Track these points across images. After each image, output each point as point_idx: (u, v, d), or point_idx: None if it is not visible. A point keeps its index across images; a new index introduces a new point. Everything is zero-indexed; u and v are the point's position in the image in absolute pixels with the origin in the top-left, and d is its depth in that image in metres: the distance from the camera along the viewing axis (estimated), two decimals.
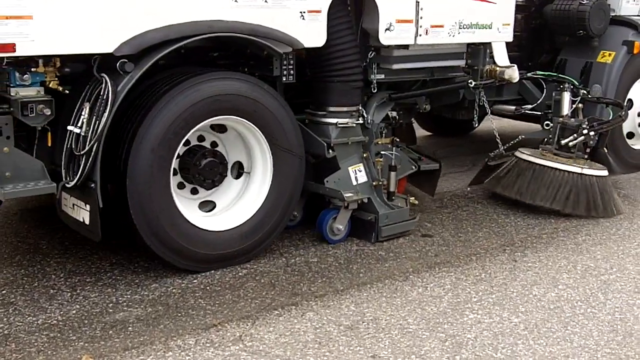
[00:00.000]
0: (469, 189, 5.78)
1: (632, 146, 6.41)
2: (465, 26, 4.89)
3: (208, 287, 3.81)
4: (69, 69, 3.62)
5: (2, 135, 3.40)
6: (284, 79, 4.24)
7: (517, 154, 5.30)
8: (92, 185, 3.49)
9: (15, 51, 3.27)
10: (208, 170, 3.97)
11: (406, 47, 4.66)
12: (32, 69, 3.47)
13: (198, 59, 4.20)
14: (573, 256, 4.40)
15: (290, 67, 4.24)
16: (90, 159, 3.47)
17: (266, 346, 3.21)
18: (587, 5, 5.74)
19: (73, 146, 3.55)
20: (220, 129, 4.11)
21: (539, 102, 5.77)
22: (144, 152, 3.61)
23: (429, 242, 4.60)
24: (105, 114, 3.47)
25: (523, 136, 5.59)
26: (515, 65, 5.29)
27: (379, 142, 4.78)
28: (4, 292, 3.72)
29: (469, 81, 5.19)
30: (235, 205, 4.14)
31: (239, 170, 4.21)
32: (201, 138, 4.06)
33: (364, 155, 4.58)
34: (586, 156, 5.34)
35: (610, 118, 5.64)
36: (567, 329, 3.42)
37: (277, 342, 3.24)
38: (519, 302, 3.71)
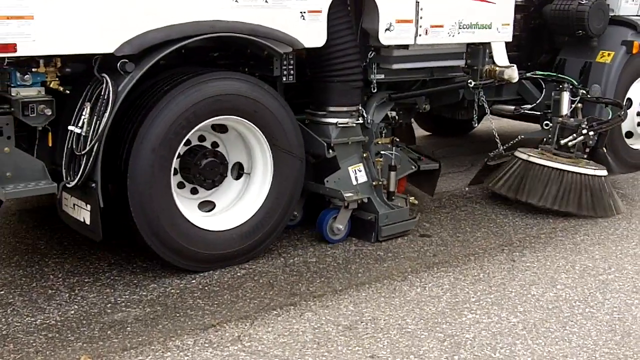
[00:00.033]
0: (467, 189, 5.79)
1: (631, 146, 6.42)
2: (464, 26, 4.90)
3: (206, 288, 3.81)
4: (70, 69, 3.63)
5: (3, 135, 3.40)
6: (284, 79, 4.25)
7: (517, 154, 5.30)
8: (93, 185, 3.50)
9: (16, 51, 3.28)
10: (209, 170, 3.98)
11: (406, 47, 4.67)
12: (33, 69, 3.48)
13: (198, 59, 4.21)
14: (571, 256, 4.42)
15: (291, 67, 4.25)
16: (91, 159, 3.48)
17: (265, 346, 3.22)
18: (586, 5, 5.75)
19: (74, 146, 3.56)
20: (221, 129, 4.12)
21: (538, 102, 5.78)
22: (145, 151, 3.62)
23: (428, 242, 4.61)
24: (106, 114, 3.48)
25: (522, 136, 5.61)
26: (515, 65, 5.30)
27: (379, 142, 4.79)
28: (2, 292, 3.72)
29: (469, 81, 5.20)
30: (235, 205, 4.15)
31: (239, 171, 4.22)
32: (202, 138, 4.08)
33: (364, 155, 4.60)
34: (585, 156, 5.36)
35: (610, 118, 5.65)
36: (565, 329, 3.43)
37: (276, 343, 3.25)
38: (518, 302, 3.72)
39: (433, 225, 4.93)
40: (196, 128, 3.82)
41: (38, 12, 3.30)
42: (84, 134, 3.51)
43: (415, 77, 4.96)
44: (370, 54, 4.65)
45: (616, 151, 6.17)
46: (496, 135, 5.46)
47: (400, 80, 4.95)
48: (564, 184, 5.09)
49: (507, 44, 5.29)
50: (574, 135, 5.31)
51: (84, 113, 3.54)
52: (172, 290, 3.77)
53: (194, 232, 3.86)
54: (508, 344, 3.27)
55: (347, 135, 4.50)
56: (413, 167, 5.02)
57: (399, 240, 4.58)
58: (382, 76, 4.74)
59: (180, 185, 4.05)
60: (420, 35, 4.65)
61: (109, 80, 3.50)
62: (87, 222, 3.57)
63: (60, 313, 3.50)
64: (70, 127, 3.58)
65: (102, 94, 3.51)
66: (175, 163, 3.84)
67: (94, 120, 3.50)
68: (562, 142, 5.32)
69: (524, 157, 5.23)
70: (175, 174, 3.92)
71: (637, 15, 6.38)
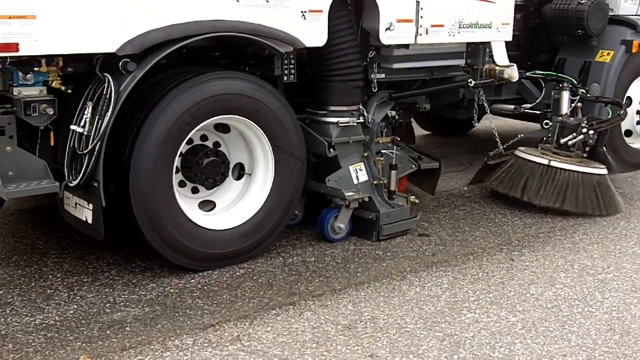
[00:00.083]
0: (466, 188, 5.81)
1: (631, 145, 6.44)
2: (465, 26, 4.91)
3: (205, 287, 3.82)
4: (72, 68, 3.64)
5: (5, 134, 3.41)
6: (285, 79, 4.27)
7: (518, 153, 5.32)
8: (95, 184, 3.51)
9: (18, 51, 3.29)
10: (210, 169, 3.99)
11: (406, 46, 4.69)
12: (35, 69, 3.49)
13: (199, 58, 4.23)
14: (570, 255, 4.43)
15: (292, 66, 4.27)
16: (93, 158, 3.49)
17: (264, 346, 3.22)
18: (586, 4, 5.77)
19: (76, 145, 3.57)
20: (224, 129, 4.13)
21: (538, 101, 5.80)
22: (147, 148, 3.63)
23: (427, 241, 4.62)
24: (108, 113, 3.49)
25: (522, 135, 5.62)
26: (515, 65, 5.32)
27: (380, 141, 4.80)
28: (1, 292, 3.73)
29: (469, 80, 5.22)
30: (236, 205, 4.17)
31: (239, 171, 4.23)
32: (204, 137, 4.09)
33: (365, 154, 4.61)
34: (585, 155, 5.37)
35: (609, 117, 5.67)
36: (564, 328, 3.44)
37: (275, 342, 3.26)
38: (517, 301, 3.73)
39: (432, 224, 4.94)
40: (199, 126, 3.84)
41: (40, 11, 3.31)
42: (86, 133, 3.53)
43: (416, 76, 4.98)
44: (371, 54, 4.67)
45: (616, 150, 6.17)
46: (496, 134, 5.48)
47: (401, 80, 4.96)
48: (564, 183, 5.10)
49: (506, 43, 5.30)
50: (574, 134, 5.32)
51: (86, 112, 3.56)
52: (171, 290, 3.78)
53: (195, 230, 3.88)
54: (507, 343, 3.28)
55: (348, 135, 4.52)
56: (413, 166, 5.04)
57: (398, 239, 4.60)
58: (383, 75, 4.76)
59: (181, 184, 4.06)
60: (420, 34, 4.66)
61: (111, 80, 3.52)
62: (89, 221, 3.58)
63: (59, 313, 3.50)
64: (72, 127, 3.59)
65: (104, 93, 3.52)
66: (177, 161, 3.85)
67: (96, 119, 3.51)
68: (562, 141, 5.34)
69: (524, 156, 5.24)
70: (176, 172, 3.93)
71: (636, 15, 6.40)
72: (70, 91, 3.67)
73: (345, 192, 4.36)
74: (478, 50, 5.22)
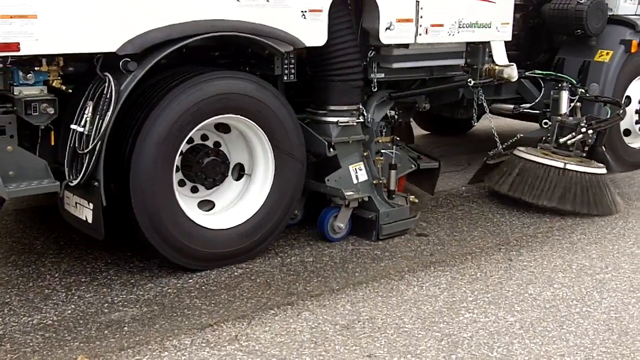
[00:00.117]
0: (464, 188, 5.81)
1: (630, 145, 6.46)
2: (464, 25, 4.92)
3: (204, 287, 3.82)
4: (72, 68, 3.65)
5: (6, 134, 3.42)
6: (285, 78, 4.27)
7: (517, 153, 5.33)
8: (96, 183, 3.52)
9: (19, 50, 3.29)
10: (210, 168, 4.00)
11: (406, 46, 4.70)
12: (36, 68, 3.49)
13: (199, 58, 4.23)
14: (568, 255, 4.44)
15: (292, 66, 4.28)
16: (94, 158, 3.50)
17: (262, 346, 3.23)
18: (585, 4, 5.79)
19: (76, 145, 3.57)
20: (224, 129, 4.14)
21: (537, 100, 5.81)
22: (148, 147, 3.64)
23: (425, 241, 4.63)
24: (109, 113, 3.49)
25: (521, 135, 5.63)
26: (514, 64, 5.33)
27: (380, 141, 4.81)
28: None
29: (468, 80, 5.23)
30: (236, 205, 4.18)
31: (239, 172, 4.24)
32: (205, 137, 4.10)
33: (365, 153, 4.62)
34: (584, 154, 5.38)
35: (609, 116, 5.68)
36: (562, 328, 3.45)
37: (273, 342, 3.26)
38: (515, 301, 3.75)
39: (430, 224, 4.95)
40: (200, 125, 3.85)
41: (41, 11, 3.31)
42: (86, 132, 3.53)
43: (415, 76, 4.98)
44: (371, 53, 4.68)
45: (615, 150, 6.20)
46: (495, 134, 5.49)
47: (400, 79, 4.97)
48: (564, 183, 5.11)
49: (506, 43, 5.31)
50: (573, 133, 5.34)
51: (86, 112, 3.56)
52: (169, 290, 3.78)
53: (195, 230, 3.89)
54: (505, 343, 3.29)
55: (348, 134, 4.53)
56: (413, 165, 5.05)
57: (396, 239, 4.60)
58: (382, 75, 4.76)
59: (181, 183, 4.07)
60: (420, 34, 4.67)
61: (111, 79, 3.52)
62: (90, 220, 3.59)
63: (57, 313, 3.50)
64: (73, 126, 3.59)
65: (105, 92, 3.52)
66: (177, 160, 3.86)
67: (97, 119, 3.51)
68: (561, 140, 5.35)
69: (523, 155, 5.25)
70: (176, 171, 3.94)
71: (635, 15, 6.41)
72: (70, 91, 3.67)
73: (345, 191, 4.37)
74: (478, 50, 5.23)
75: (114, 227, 3.81)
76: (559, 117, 5.48)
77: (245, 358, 3.12)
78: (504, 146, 5.48)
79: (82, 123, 3.56)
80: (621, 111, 5.68)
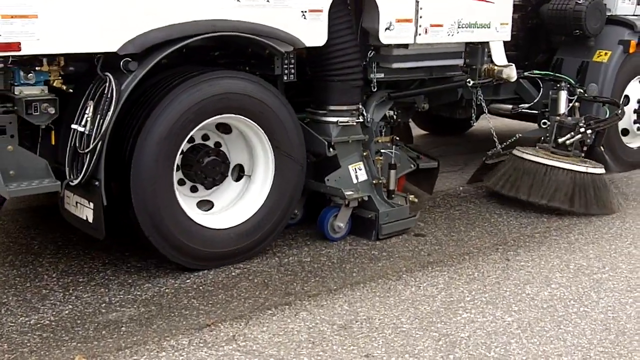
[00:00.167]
0: (461, 188, 5.83)
1: (628, 144, 6.48)
2: (464, 25, 4.94)
3: (201, 287, 3.83)
4: (73, 67, 3.65)
5: (7, 133, 3.42)
6: (285, 78, 4.29)
7: (516, 152, 5.34)
8: (96, 183, 3.52)
9: (20, 50, 3.30)
10: (210, 168, 4.02)
11: (406, 46, 4.71)
12: (37, 68, 3.50)
13: (199, 58, 4.24)
14: (566, 255, 4.46)
15: (291, 66, 4.29)
16: (95, 157, 3.51)
17: (260, 346, 3.23)
18: (584, 5, 5.80)
19: (77, 144, 3.58)
20: (225, 129, 4.15)
21: (535, 100, 5.83)
22: (149, 146, 3.65)
23: (422, 241, 4.64)
24: (110, 113, 3.50)
25: (520, 135, 5.65)
26: (513, 65, 5.34)
27: (379, 141, 4.82)
28: None
29: (467, 80, 5.24)
30: (235, 205, 4.19)
31: (239, 173, 4.25)
32: (205, 137, 4.11)
33: (364, 153, 4.64)
34: (583, 154, 5.40)
35: (607, 116, 5.70)
36: (560, 328, 3.47)
37: (271, 342, 3.27)
38: (512, 301, 3.76)
39: (427, 224, 4.95)
40: (202, 124, 3.86)
41: (42, 11, 3.32)
42: (87, 132, 3.54)
43: (415, 76, 5.00)
44: (370, 53, 4.69)
45: (613, 150, 6.22)
46: (494, 134, 5.50)
47: (400, 79, 4.98)
48: (563, 182, 5.13)
49: (505, 43, 5.32)
50: (572, 133, 5.35)
51: (87, 111, 3.57)
52: (167, 290, 3.79)
53: (195, 229, 3.90)
54: (503, 343, 3.31)
55: (348, 134, 4.54)
56: (412, 165, 5.07)
57: (394, 239, 4.61)
58: (382, 75, 4.78)
59: (181, 183, 4.07)
60: (419, 34, 4.69)
61: (112, 79, 3.53)
62: (90, 220, 3.59)
63: (54, 313, 3.51)
64: (74, 126, 3.60)
65: (106, 92, 3.53)
66: (178, 159, 3.87)
67: (98, 118, 3.52)
68: (560, 140, 5.36)
69: (522, 155, 5.27)
70: (176, 170, 3.94)
71: (634, 15, 6.43)
72: (71, 90, 3.68)
73: (344, 191, 4.39)
74: (477, 50, 5.24)
75: (112, 226, 3.80)
76: (558, 117, 5.50)
77: (243, 358, 3.13)
78: (502, 146, 5.50)
79: (83, 123, 3.57)
80: (620, 111, 5.70)
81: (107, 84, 3.54)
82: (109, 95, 3.52)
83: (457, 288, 3.92)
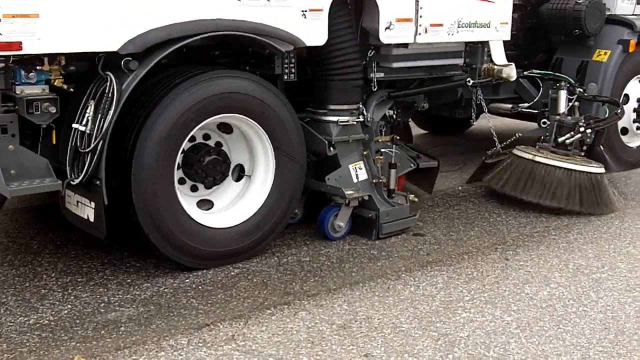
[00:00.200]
0: (460, 188, 5.83)
1: (627, 144, 6.49)
2: (464, 25, 4.94)
3: (200, 287, 3.83)
4: (74, 67, 3.66)
5: (7, 133, 3.43)
6: (286, 77, 4.29)
7: (517, 152, 5.35)
8: (97, 182, 3.53)
9: (21, 49, 3.31)
10: (211, 167, 4.03)
11: (406, 45, 4.72)
12: (38, 67, 3.51)
13: (199, 57, 4.24)
14: (565, 255, 4.47)
15: (292, 65, 4.30)
16: (96, 157, 3.51)
17: (259, 345, 3.23)
18: (583, 4, 5.81)
19: (78, 144, 3.59)
20: (226, 129, 4.16)
21: (535, 100, 5.84)
22: (150, 145, 3.65)
23: (421, 241, 4.65)
24: (111, 112, 3.51)
25: (520, 134, 5.66)
26: (513, 64, 5.35)
27: (379, 140, 4.83)
28: None
29: (467, 79, 5.25)
30: (236, 204, 4.19)
31: (239, 173, 4.26)
32: (207, 137, 4.12)
33: (365, 153, 4.65)
34: (583, 154, 5.41)
35: (607, 116, 5.71)
36: (559, 328, 3.47)
37: (270, 342, 3.27)
38: (511, 301, 3.77)
39: (427, 224, 4.96)
40: (203, 123, 3.87)
41: (43, 10, 3.33)
42: (88, 131, 3.55)
43: (415, 75, 5.00)
44: (370, 53, 4.70)
45: (613, 149, 6.23)
46: (494, 133, 5.51)
47: (400, 79, 4.99)
48: (563, 182, 5.13)
49: (504, 42, 5.33)
50: (572, 133, 5.36)
51: (88, 111, 3.58)
52: (166, 290, 3.79)
53: (196, 229, 3.91)
54: (502, 343, 3.31)
55: (348, 133, 4.55)
56: (412, 164, 5.07)
57: (393, 239, 4.61)
58: (382, 74, 4.79)
59: (181, 182, 4.08)
60: (419, 34, 4.69)
61: (113, 78, 3.54)
62: (91, 219, 3.60)
63: (53, 313, 3.51)
64: (75, 125, 3.61)
65: (107, 91, 3.54)
66: (179, 158, 3.87)
67: (98, 118, 3.53)
68: (560, 140, 5.37)
69: (523, 155, 5.28)
70: (177, 169, 3.95)
71: (633, 15, 6.43)
72: (72, 90, 3.69)
73: (345, 190, 4.40)
74: (477, 50, 5.25)
75: (112, 225, 3.81)
76: (558, 117, 5.51)
77: (242, 358, 3.13)
78: (502, 145, 5.51)
79: (84, 122, 3.57)
80: (619, 110, 5.71)
81: (108, 84, 3.55)
82: (109, 95, 3.53)
83: (456, 287, 3.92)
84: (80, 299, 3.67)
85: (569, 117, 5.52)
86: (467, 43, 5.14)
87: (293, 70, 4.31)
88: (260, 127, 4.07)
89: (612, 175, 6.13)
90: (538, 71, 5.83)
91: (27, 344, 3.21)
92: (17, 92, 3.48)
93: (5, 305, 3.59)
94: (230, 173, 4.19)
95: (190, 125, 3.80)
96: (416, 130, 7.47)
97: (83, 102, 3.64)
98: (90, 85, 3.66)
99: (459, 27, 4.92)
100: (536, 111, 5.84)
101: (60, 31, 3.39)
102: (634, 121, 6.49)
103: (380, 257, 4.33)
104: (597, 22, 5.94)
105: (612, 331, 3.46)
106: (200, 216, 4.02)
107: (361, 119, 4.64)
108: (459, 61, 5.14)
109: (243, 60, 4.39)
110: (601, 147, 5.76)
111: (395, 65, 4.74)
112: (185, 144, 3.90)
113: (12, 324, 3.40)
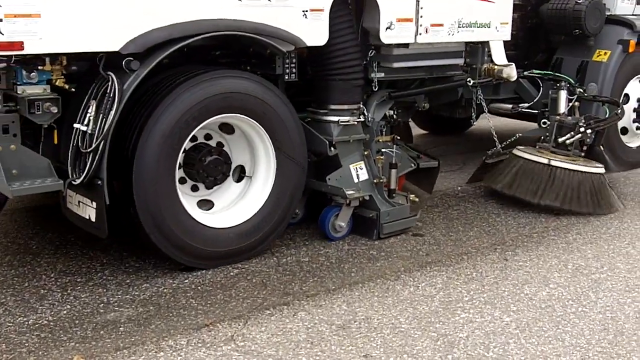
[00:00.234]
0: (460, 188, 5.84)
1: (627, 144, 6.50)
2: (464, 25, 4.95)
3: (199, 287, 3.83)
4: (75, 67, 3.66)
5: (9, 132, 3.43)
6: (286, 77, 4.30)
7: (517, 152, 5.36)
8: (99, 182, 3.54)
9: (23, 49, 3.31)
10: (212, 167, 4.03)
11: (406, 45, 4.72)
12: (39, 67, 3.51)
13: (200, 57, 4.25)
14: (564, 255, 4.48)
15: (293, 65, 4.31)
16: (97, 157, 3.52)
17: (258, 346, 3.24)
18: (583, 4, 5.81)
19: (79, 144, 3.59)
20: (228, 130, 4.17)
21: (535, 100, 5.84)
22: (151, 145, 3.66)
23: (420, 241, 4.65)
24: (112, 112, 3.52)
25: (520, 134, 5.67)
26: (513, 64, 5.35)
27: (380, 140, 4.84)
28: None
29: (468, 79, 5.26)
30: (236, 205, 4.20)
31: (240, 174, 4.27)
32: (208, 137, 4.13)
33: (365, 153, 4.65)
34: (583, 154, 5.42)
35: (607, 116, 5.72)
36: (558, 328, 3.48)
37: (269, 342, 3.27)
38: (511, 301, 3.77)
39: (426, 224, 4.96)
40: (204, 123, 3.87)
41: (45, 10, 3.33)
42: (89, 131, 3.55)
43: (415, 75, 5.01)
44: (371, 53, 4.70)
45: (613, 149, 6.23)
46: (494, 133, 5.52)
47: (400, 79, 4.99)
48: (563, 182, 5.14)
49: (504, 43, 5.34)
50: (572, 133, 5.37)
51: (89, 111, 3.58)
52: (165, 290, 3.79)
53: (197, 228, 3.92)
54: (501, 343, 3.32)
55: (349, 133, 4.56)
56: (413, 164, 5.08)
57: (392, 239, 4.62)
58: (383, 74, 4.79)
59: (182, 181, 4.08)
60: (420, 34, 4.70)
61: (114, 78, 3.54)
62: (93, 219, 3.61)
63: (52, 313, 3.51)
64: (76, 125, 3.61)
65: (108, 91, 3.55)
66: (180, 158, 3.88)
67: (100, 117, 3.54)
68: (560, 140, 5.38)
69: (523, 155, 5.29)
70: (178, 168, 3.95)
71: (633, 15, 6.44)
72: (73, 90, 3.69)
73: (345, 190, 4.40)
74: (477, 50, 5.25)
75: (112, 225, 3.81)
76: (558, 117, 5.51)
77: (242, 358, 3.14)
78: (502, 146, 5.52)
79: (86, 122, 3.58)
80: (619, 110, 5.71)
81: (110, 83, 3.55)
82: (111, 95, 3.54)
83: (456, 288, 3.93)
84: (79, 299, 3.68)
85: (569, 117, 5.53)
86: (467, 43, 5.14)
87: (294, 70, 4.31)
88: (262, 127, 4.08)
89: (612, 175, 6.13)
90: (538, 71, 5.84)
91: (26, 344, 3.22)
92: (18, 92, 3.49)
93: (5, 305, 3.60)
94: (231, 173, 4.20)
95: (191, 125, 3.81)
96: (416, 130, 7.48)
97: (84, 102, 3.64)
98: (91, 85, 3.66)
99: (459, 27, 4.92)
100: (536, 111, 5.85)
101: (62, 31, 3.39)
102: (634, 121, 6.50)
103: (379, 258, 4.34)
104: (597, 22, 5.94)
105: (611, 332, 3.46)
106: (201, 216, 4.03)
107: (362, 119, 4.65)
108: (460, 61, 5.15)
109: (244, 60, 4.40)
110: (601, 147, 5.76)
111: (396, 65, 4.75)
112: (187, 144, 3.91)
113: (11, 324, 3.40)
